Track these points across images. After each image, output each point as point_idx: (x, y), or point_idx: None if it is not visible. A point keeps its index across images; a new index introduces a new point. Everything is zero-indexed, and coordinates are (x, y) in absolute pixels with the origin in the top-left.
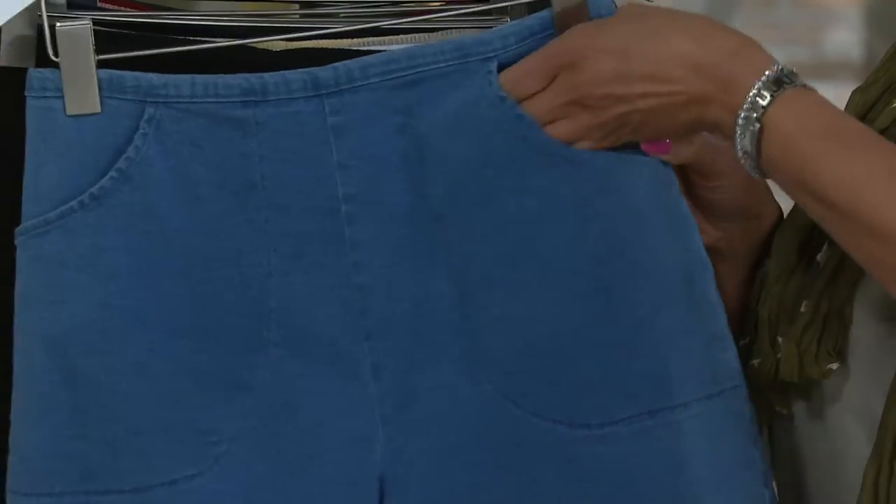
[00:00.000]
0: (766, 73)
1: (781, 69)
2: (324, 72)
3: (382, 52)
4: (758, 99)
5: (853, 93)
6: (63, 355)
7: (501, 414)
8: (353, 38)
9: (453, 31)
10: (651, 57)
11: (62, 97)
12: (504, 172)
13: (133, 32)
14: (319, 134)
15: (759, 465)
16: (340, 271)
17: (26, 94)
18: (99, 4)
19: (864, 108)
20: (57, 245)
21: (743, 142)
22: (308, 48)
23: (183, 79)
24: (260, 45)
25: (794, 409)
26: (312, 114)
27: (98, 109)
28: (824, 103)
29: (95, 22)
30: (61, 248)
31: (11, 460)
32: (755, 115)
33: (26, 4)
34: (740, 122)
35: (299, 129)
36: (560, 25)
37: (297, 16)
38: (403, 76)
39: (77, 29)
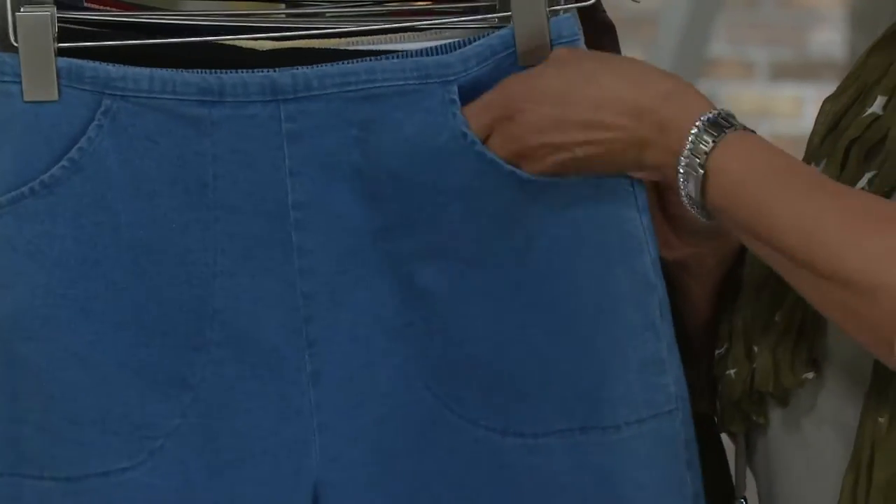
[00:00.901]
0: (703, 116)
1: (719, 112)
2: (282, 77)
3: (342, 64)
4: (700, 144)
5: (824, 101)
6: (5, 339)
7: (438, 420)
8: (338, 37)
9: (440, 31)
10: (587, 104)
11: (20, 83)
12: (457, 201)
13: (110, 32)
14: (274, 139)
15: (690, 490)
16: (286, 277)
17: None
18: (85, 4)
19: (836, 117)
20: (6, 229)
21: (687, 187)
22: (296, 48)
23: (142, 73)
24: (247, 45)
25: (770, 418)
26: (268, 118)
27: (55, 97)
28: (767, 145)
29: (82, 22)
30: (11, 232)
31: None
32: (698, 160)
33: None
34: (682, 168)
35: (254, 132)
36: (521, 43)
37: (284, 16)
38: (361, 90)
39: (39, 16)
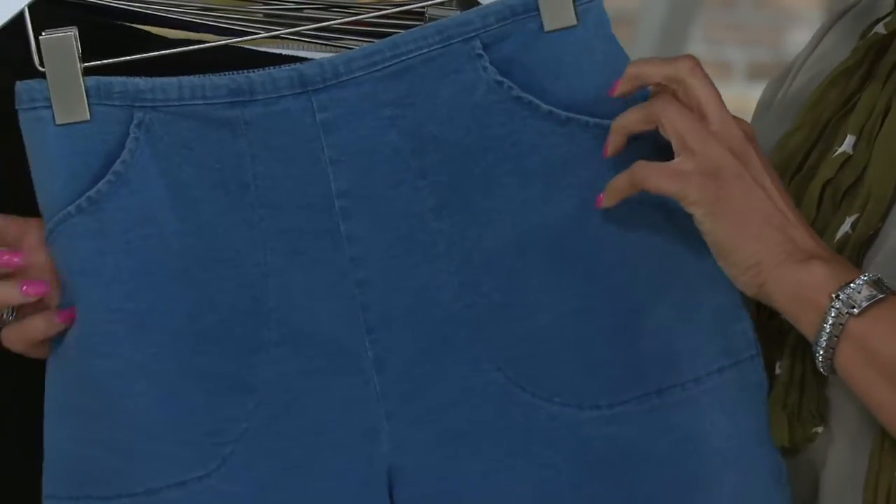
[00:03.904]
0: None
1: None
2: (309, 68)
3: (366, 45)
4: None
5: (781, 137)
6: (72, 360)
7: (510, 399)
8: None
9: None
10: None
11: (51, 107)
12: (506, 157)
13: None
14: (309, 131)
15: (770, 441)
16: (338, 267)
17: (17, 107)
18: None
19: (801, 155)
20: (61, 250)
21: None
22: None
23: (170, 82)
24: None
25: None
26: (301, 111)
27: (87, 117)
28: None
29: (60, 3)
30: (66, 253)
31: (44, 464)
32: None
33: (7, 18)
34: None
35: (288, 127)
36: (544, 7)
37: (261, 15)
38: (388, 66)
39: (61, 37)
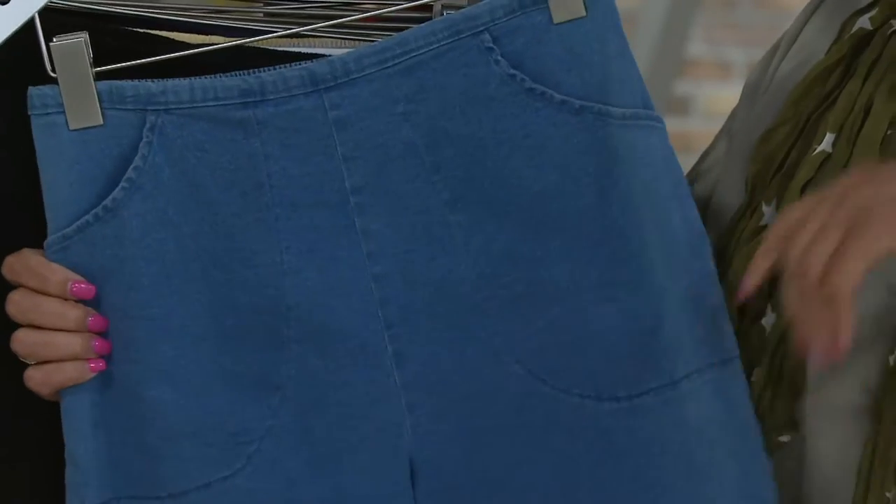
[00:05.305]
0: None
1: None
2: (320, 67)
3: (376, 42)
4: None
5: (764, 133)
6: None
7: (530, 392)
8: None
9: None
10: None
11: (64, 112)
12: (519, 148)
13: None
14: (322, 129)
15: (759, 432)
16: (355, 263)
17: (29, 112)
18: None
19: (781, 153)
20: (78, 258)
21: None
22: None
23: (181, 84)
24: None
25: None
26: (313, 109)
27: (100, 121)
28: None
29: (59, 10)
30: (84, 260)
31: (68, 472)
32: None
33: (19, 25)
34: None
35: (301, 125)
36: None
37: (261, 14)
38: (399, 63)
39: (72, 43)
